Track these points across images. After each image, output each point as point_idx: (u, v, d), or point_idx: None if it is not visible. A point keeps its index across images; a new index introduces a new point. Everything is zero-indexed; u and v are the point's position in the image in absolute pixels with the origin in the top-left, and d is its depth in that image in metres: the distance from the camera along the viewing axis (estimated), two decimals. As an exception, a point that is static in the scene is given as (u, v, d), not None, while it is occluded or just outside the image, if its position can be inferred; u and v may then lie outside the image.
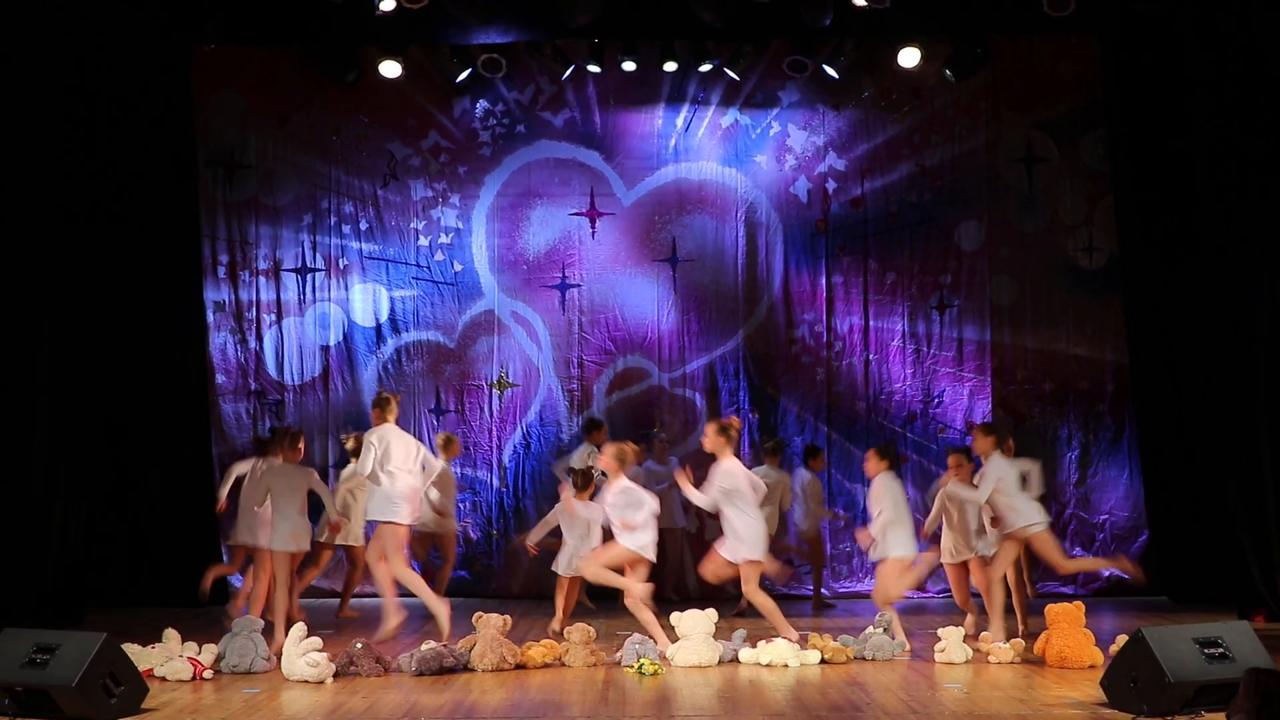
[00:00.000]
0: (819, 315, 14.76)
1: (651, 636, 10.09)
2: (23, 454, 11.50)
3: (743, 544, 10.33)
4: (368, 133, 14.76)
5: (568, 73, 14.26)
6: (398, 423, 11.11)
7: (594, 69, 14.20)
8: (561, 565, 11.52)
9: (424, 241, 14.77)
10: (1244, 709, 6.22)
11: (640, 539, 10.29)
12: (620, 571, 10.42)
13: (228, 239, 14.61)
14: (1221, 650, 7.74)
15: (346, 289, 14.73)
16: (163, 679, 9.25)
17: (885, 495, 10.54)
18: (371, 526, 11.41)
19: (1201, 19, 12.27)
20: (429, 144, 14.78)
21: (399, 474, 10.86)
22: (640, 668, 9.52)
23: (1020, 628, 11.13)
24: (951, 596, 12.38)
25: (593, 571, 10.64)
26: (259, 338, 14.63)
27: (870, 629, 10.28)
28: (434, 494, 12.71)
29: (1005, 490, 10.59)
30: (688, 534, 14.13)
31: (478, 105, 14.78)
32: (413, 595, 11.02)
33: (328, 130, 14.72)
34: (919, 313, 14.71)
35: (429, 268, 14.77)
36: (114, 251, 13.21)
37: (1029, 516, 10.56)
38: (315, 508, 11.10)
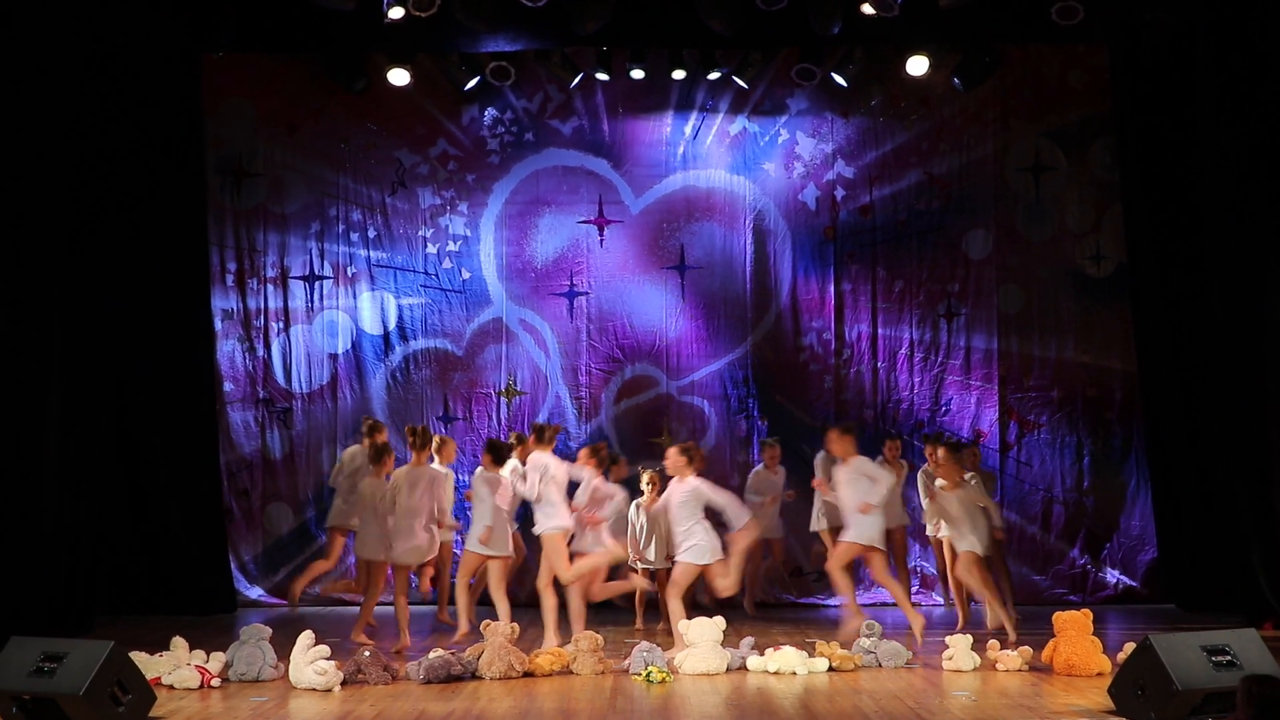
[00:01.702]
0: (827, 323, 14.75)
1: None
2: (32, 461, 11.50)
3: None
4: (376, 141, 14.76)
5: (576, 81, 14.24)
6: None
7: (602, 77, 14.20)
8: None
9: (432, 249, 14.77)
10: (1241, 718, 6.20)
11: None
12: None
13: (236, 246, 14.61)
14: (1229, 658, 7.75)
15: (354, 297, 14.73)
16: (170, 687, 9.27)
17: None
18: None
19: (1211, 28, 12.28)
20: (437, 152, 14.79)
21: None
22: (648, 675, 9.52)
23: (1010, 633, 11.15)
24: (955, 605, 12.43)
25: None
26: (267, 345, 14.62)
27: (863, 640, 10.22)
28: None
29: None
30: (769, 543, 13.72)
31: (486, 113, 14.79)
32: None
33: (336, 138, 14.72)
34: (927, 321, 14.69)
35: (437, 275, 14.77)
36: (122, 259, 13.22)
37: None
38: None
